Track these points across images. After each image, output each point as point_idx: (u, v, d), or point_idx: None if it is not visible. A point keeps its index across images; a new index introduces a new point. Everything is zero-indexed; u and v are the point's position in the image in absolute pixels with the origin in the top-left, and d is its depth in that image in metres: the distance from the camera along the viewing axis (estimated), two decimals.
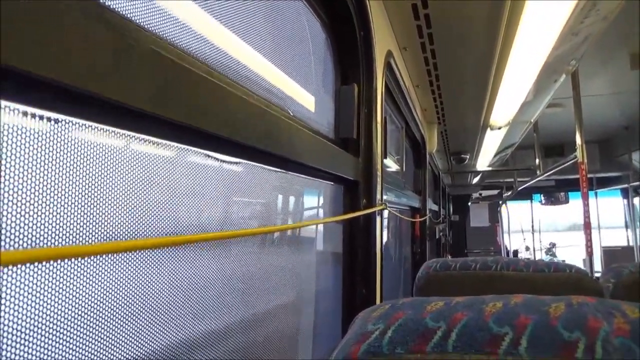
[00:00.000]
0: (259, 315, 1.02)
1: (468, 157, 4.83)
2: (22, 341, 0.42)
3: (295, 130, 0.97)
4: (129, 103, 0.47)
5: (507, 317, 0.53)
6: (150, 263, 0.62)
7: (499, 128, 3.65)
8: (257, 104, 0.80)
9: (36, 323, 0.44)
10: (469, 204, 8.36)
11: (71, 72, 0.40)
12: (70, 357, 0.48)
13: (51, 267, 0.46)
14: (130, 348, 0.57)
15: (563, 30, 2.07)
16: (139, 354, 0.59)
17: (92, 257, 0.51)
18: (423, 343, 0.54)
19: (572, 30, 2.12)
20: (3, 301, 0.40)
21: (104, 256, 0.53)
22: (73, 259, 0.48)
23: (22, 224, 0.41)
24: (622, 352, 0.46)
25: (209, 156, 0.71)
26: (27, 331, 0.43)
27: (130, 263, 0.59)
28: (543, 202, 8.83)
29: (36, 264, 0.44)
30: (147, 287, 0.61)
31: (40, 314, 0.45)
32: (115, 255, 0.55)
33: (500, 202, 8.21)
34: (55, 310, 0.47)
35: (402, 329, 0.56)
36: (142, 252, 0.60)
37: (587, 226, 2.97)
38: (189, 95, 0.57)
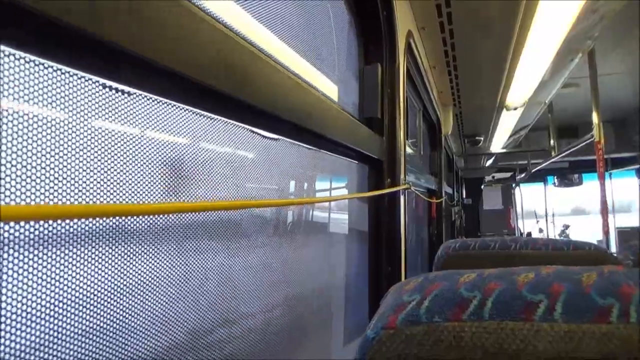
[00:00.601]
0: (292, 290, 1.04)
1: (482, 139, 4.81)
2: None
3: (327, 108, 0.99)
4: (190, 75, 0.49)
5: (540, 285, 0.54)
6: (191, 241, 0.64)
7: (515, 109, 3.63)
8: (296, 80, 0.82)
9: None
10: (482, 186, 8.33)
11: (137, 40, 0.42)
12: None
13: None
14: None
15: (583, 8, 2.06)
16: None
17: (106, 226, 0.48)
18: (460, 312, 0.55)
19: (592, 7, 2.11)
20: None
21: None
22: (82, 220, 0.44)
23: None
24: None
25: (252, 131, 0.73)
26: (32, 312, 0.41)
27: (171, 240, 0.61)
28: (556, 184, 8.76)
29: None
30: (187, 268, 0.63)
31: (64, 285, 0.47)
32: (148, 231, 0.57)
33: (514, 184, 8.17)
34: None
35: (438, 299, 0.57)
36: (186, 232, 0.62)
37: (603, 206, 2.97)
38: (239, 69, 0.59)
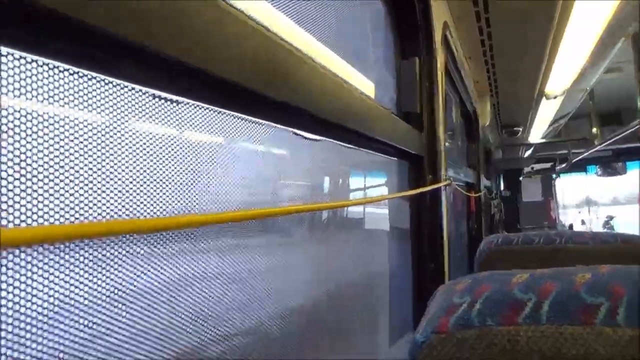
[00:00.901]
0: (336, 288, 1.04)
1: (520, 129, 4.68)
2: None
3: (366, 105, 0.97)
4: (234, 79, 0.48)
5: (599, 287, 0.52)
6: (231, 238, 0.64)
7: (555, 97, 3.51)
8: (334, 78, 0.80)
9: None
10: (521, 178, 8.11)
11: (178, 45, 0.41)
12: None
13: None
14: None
15: None
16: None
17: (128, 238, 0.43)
18: (514, 315, 0.53)
19: None
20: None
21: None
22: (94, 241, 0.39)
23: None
24: None
25: (295, 134, 0.72)
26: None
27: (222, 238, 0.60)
28: (599, 173, 8.45)
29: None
30: (231, 264, 0.63)
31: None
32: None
33: (554, 175, 7.93)
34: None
35: (490, 301, 0.55)
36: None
37: None
38: (280, 69, 0.58)
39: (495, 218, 5.27)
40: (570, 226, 8.34)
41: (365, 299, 1.23)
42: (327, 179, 1.04)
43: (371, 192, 1.33)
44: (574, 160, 5.86)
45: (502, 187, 7.56)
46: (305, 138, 0.75)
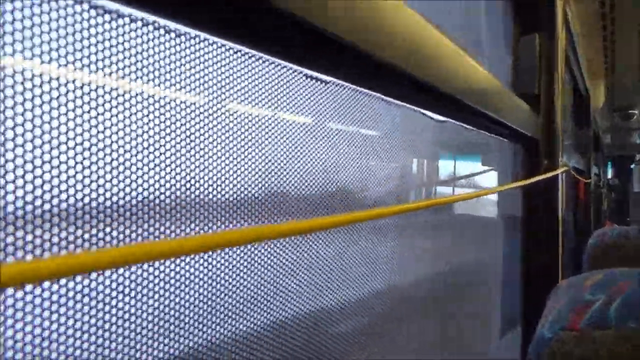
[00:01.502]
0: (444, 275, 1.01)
1: (637, 112, 4.25)
2: None
3: (489, 82, 0.91)
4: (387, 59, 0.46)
5: None
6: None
7: None
8: (459, 53, 0.75)
9: None
10: (632, 166, 7.39)
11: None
12: None
13: None
14: None
15: None
16: None
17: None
18: None
19: None
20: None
21: None
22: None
23: None
24: None
25: (422, 114, 0.70)
26: None
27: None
28: None
29: None
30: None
31: None
32: None
33: None
34: None
35: (630, 300, 0.51)
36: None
37: None
38: (414, 44, 0.55)
39: (602, 208, 4.89)
40: None
41: (472, 289, 1.19)
42: (442, 164, 1.01)
43: (482, 177, 1.27)
44: None
45: (609, 175, 6.97)
46: (432, 119, 0.72)
